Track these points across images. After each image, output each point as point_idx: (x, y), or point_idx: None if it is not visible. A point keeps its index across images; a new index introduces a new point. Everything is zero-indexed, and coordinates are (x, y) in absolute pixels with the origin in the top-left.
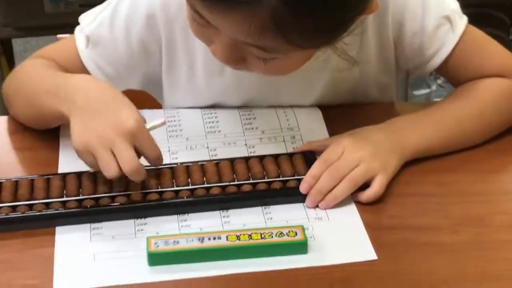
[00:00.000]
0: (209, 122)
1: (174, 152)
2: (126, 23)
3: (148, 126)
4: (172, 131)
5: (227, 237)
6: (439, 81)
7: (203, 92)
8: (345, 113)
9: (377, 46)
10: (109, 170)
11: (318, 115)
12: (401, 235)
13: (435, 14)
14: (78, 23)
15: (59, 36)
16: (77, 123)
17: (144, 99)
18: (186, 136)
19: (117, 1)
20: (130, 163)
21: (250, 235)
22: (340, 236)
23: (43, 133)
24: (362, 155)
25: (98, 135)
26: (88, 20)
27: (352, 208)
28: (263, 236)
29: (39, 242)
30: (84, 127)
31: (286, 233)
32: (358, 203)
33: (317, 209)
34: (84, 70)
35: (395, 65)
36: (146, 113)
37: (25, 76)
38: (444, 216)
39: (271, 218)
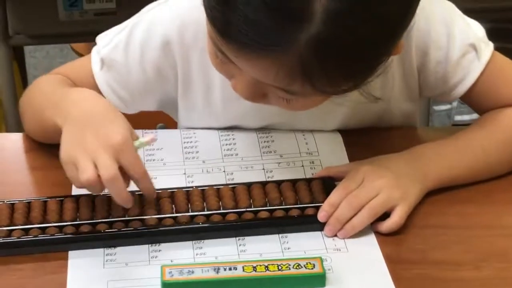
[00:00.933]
0: (226, 144)
1: (190, 175)
2: (141, 49)
3: (136, 143)
4: (188, 152)
5: (243, 267)
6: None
7: (220, 116)
8: (366, 138)
9: (401, 76)
10: (84, 173)
11: (338, 139)
12: (422, 269)
13: (460, 43)
14: (92, 32)
15: (72, 44)
16: (67, 134)
17: (161, 115)
18: (203, 159)
19: (133, 24)
20: (108, 169)
21: (267, 266)
22: (359, 269)
23: (56, 152)
24: (382, 183)
25: (84, 147)
26: (105, 41)
27: (371, 239)
28: (280, 267)
29: (51, 267)
30: (72, 139)
31: (304, 265)
32: (378, 234)
33: (335, 239)
34: (98, 91)
35: (419, 93)
36: (163, 133)
37: (37, 91)
38: (466, 250)
39: (288, 248)
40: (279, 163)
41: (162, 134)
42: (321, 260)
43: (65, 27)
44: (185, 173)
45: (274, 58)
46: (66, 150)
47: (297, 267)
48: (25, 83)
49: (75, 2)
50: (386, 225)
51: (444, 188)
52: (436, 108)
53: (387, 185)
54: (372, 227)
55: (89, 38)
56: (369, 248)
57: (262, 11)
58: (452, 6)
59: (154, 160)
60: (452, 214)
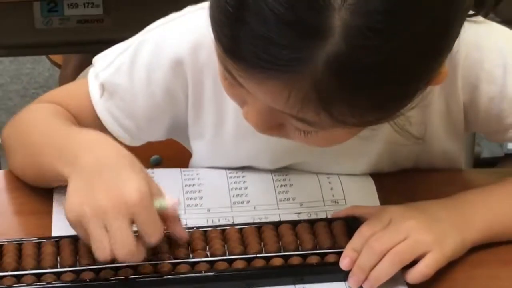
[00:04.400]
0: (236, 189)
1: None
2: (148, 70)
3: (156, 204)
4: (190, 198)
5: None
6: None
7: (231, 154)
8: (402, 183)
9: (443, 113)
10: (101, 253)
11: (369, 184)
12: None
13: None
14: (74, 43)
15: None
16: (73, 190)
17: (155, 145)
18: (207, 207)
19: (138, 43)
20: (122, 247)
21: None
22: None
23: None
24: (411, 225)
25: (93, 206)
26: (104, 63)
27: None
28: None
29: None
30: (81, 196)
31: None
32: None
33: None
34: (98, 121)
35: (464, 131)
36: (157, 173)
37: (29, 127)
38: None
39: None
40: (299, 213)
41: (158, 174)
42: None
43: (43, 36)
44: (186, 224)
45: (285, 80)
46: (72, 209)
47: None
48: None
49: (54, 7)
50: (411, 274)
51: (493, 244)
52: None
53: (417, 228)
54: (404, 276)
55: (71, 49)
56: None
57: (273, 25)
58: (510, 33)
59: None
60: (506, 277)
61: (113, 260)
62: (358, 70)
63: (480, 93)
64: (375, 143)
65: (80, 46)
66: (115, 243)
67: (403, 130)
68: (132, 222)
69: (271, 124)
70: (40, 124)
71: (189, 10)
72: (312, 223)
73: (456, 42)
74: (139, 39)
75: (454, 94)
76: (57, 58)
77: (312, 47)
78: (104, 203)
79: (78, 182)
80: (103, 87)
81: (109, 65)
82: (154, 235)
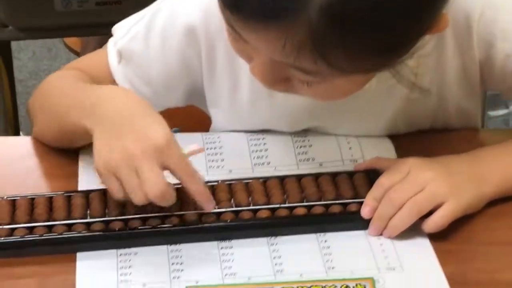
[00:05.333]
0: (256, 151)
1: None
2: (163, 37)
3: (184, 151)
4: (212, 160)
5: None
6: None
7: (247, 118)
8: (420, 143)
9: (458, 70)
10: (134, 195)
11: (387, 145)
12: None
13: None
14: (93, 25)
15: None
16: (99, 139)
17: (176, 118)
18: (229, 168)
19: (153, 12)
20: (154, 187)
21: None
22: None
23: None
24: (429, 176)
25: (122, 153)
26: (122, 32)
27: (431, 256)
28: None
29: (58, 269)
30: (107, 144)
31: (353, 287)
32: (438, 251)
33: (388, 256)
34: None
35: (480, 89)
36: (179, 136)
37: (51, 89)
38: None
39: (333, 267)
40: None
41: (180, 138)
42: (373, 282)
43: (62, 19)
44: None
45: (280, 28)
46: (102, 160)
47: None
48: (12, 87)
49: None
50: (427, 224)
51: (510, 197)
52: (492, 113)
53: (434, 179)
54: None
55: (89, 31)
56: (429, 267)
57: None
58: None
59: None
60: None
61: (144, 209)
62: (351, 15)
63: (496, 50)
64: (390, 100)
65: (98, 29)
66: (145, 185)
67: (406, 81)
68: (162, 165)
69: (277, 78)
70: (62, 86)
71: None
72: (333, 175)
73: (470, 2)
74: (154, 8)
75: (470, 51)
76: (75, 44)
77: None
78: (132, 147)
79: (102, 132)
80: (120, 54)
81: (126, 33)
82: (186, 172)
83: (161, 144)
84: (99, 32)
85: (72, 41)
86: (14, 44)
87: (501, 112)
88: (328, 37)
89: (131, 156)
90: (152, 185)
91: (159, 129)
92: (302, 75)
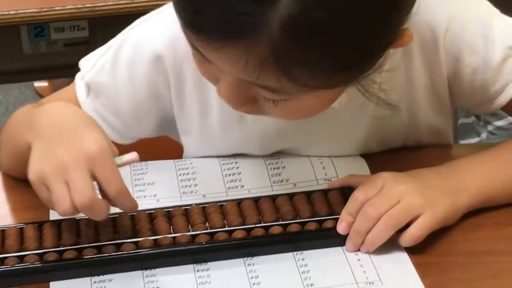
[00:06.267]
0: (230, 175)
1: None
2: (130, 67)
3: (118, 161)
4: (186, 186)
5: None
6: (490, 128)
7: (219, 143)
8: (393, 160)
9: (427, 86)
10: (60, 204)
11: (361, 163)
12: None
13: (500, 45)
14: (62, 66)
15: (36, 83)
16: (35, 150)
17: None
18: (203, 193)
19: (119, 42)
20: (81, 194)
21: None
22: None
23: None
24: (403, 189)
25: (54, 162)
26: (89, 65)
27: (409, 268)
28: None
29: None
30: (42, 154)
31: None
32: (417, 264)
33: (366, 270)
34: None
35: (450, 105)
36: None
37: (11, 120)
38: None
39: (311, 284)
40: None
41: (153, 166)
42: None
43: (31, 61)
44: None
45: (242, 46)
46: (34, 169)
47: None
48: None
49: (41, 32)
50: (403, 238)
51: (487, 208)
52: (463, 142)
53: (409, 192)
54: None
55: (58, 73)
56: (408, 280)
57: None
58: (489, 5)
59: (145, 196)
60: (500, 238)
61: (118, 235)
62: (311, 30)
63: (463, 65)
64: (361, 119)
65: (68, 70)
66: (72, 192)
67: (374, 97)
68: (93, 176)
69: (244, 99)
70: (19, 115)
71: (167, 6)
72: (308, 194)
73: (436, 17)
74: (120, 38)
75: (438, 68)
76: (48, 93)
77: (266, 11)
78: (64, 158)
79: (40, 144)
80: (89, 87)
81: (93, 66)
82: (113, 184)
83: (94, 153)
84: (69, 74)
85: (44, 89)
86: None
87: (472, 140)
88: (289, 52)
89: (62, 165)
90: (80, 193)
91: (94, 140)
92: (267, 93)
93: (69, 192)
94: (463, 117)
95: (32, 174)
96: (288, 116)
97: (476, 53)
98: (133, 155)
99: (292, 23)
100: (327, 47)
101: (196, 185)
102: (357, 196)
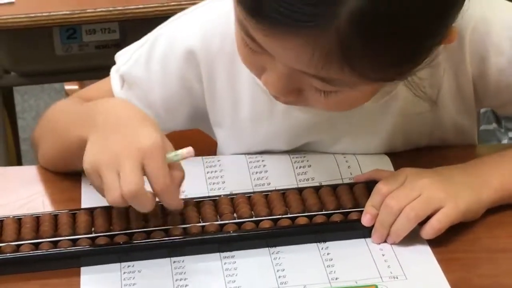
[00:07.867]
0: (256, 173)
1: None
2: (163, 61)
3: (171, 154)
4: (213, 183)
5: None
6: (510, 134)
7: (248, 137)
8: (418, 159)
9: (452, 85)
10: (111, 193)
11: (385, 161)
12: None
13: None
14: (93, 68)
15: (66, 87)
16: (92, 143)
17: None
18: (230, 189)
19: (154, 38)
20: (129, 184)
21: None
22: None
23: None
24: (425, 182)
25: (109, 154)
26: (124, 58)
27: (433, 264)
28: None
29: (62, 285)
30: (98, 147)
31: None
32: (441, 260)
33: (391, 265)
34: None
35: (475, 105)
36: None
37: (53, 114)
38: None
39: (336, 278)
40: None
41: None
42: None
43: (63, 63)
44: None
45: (309, 37)
46: (90, 158)
47: None
48: (15, 134)
49: (73, 34)
50: (424, 229)
51: (511, 205)
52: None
53: (431, 184)
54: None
55: (89, 75)
56: (432, 274)
57: None
58: None
59: None
60: None
61: (148, 224)
62: (379, 23)
63: (489, 65)
64: (386, 117)
65: (99, 72)
66: (124, 182)
67: (418, 90)
68: (143, 170)
69: (291, 89)
70: (63, 109)
71: (201, 4)
72: (334, 187)
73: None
74: (154, 34)
75: (463, 68)
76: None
77: (335, 3)
78: (118, 150)
79: (96, 136)
80: (123, 79)
81: (128, 59)
82: (158, 180)
83: (146, 148)
84: (100, 75)
85: (75, 92)
86: (18, 105)
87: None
88: (356, 44)
89: (116, 156)
90: (128, 184)
91: (148, 135)
92: (322, 84)
93: (118, 182)
94: (484, 124)
95: (87, 163)
96: (332, 107)
97: (503, 54)
98: (189, 150)
99: (361, 15)
100: (391, 40)
101: (224, 182)
102: (380, 189)
